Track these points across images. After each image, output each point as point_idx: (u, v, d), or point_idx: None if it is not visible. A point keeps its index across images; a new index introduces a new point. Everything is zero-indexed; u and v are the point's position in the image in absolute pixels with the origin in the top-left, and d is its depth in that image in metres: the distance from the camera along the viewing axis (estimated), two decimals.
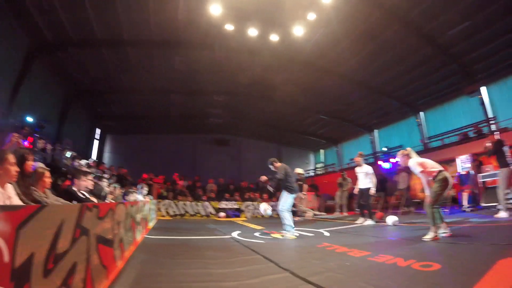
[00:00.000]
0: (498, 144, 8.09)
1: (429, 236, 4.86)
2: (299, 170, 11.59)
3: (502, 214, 7.09)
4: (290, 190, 6.84)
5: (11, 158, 2.73)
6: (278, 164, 7.25)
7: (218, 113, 18.54)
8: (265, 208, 7.59)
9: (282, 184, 6.97)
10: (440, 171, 5.18)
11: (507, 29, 11.86)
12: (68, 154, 9.65)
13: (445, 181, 5.07)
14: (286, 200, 6.79)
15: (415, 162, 5.40)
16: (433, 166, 5.33)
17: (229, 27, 11.45)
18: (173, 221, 11.92)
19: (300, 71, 15.56)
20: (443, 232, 5.01)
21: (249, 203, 15.18)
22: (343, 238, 5.83)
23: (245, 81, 16.29)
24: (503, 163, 7.79)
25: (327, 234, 6.52)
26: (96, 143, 20.73)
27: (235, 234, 6.81)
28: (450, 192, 9.26)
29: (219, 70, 15.11)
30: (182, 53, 13.57)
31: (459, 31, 12.05)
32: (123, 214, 3.73)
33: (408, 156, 5.58)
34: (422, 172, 5.25)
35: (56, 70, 13.66)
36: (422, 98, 18.16)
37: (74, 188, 4.82)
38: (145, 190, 10.99)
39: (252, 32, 11.81)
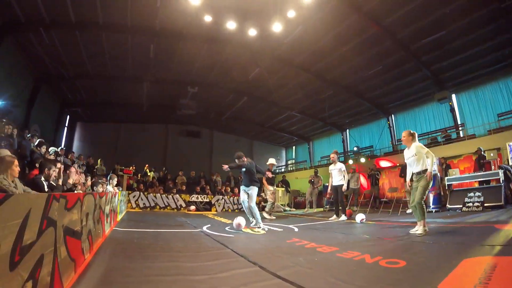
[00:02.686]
0: None
1: (420, 230, 5.17)
2: (271, 161, 11.45)
3: None
4: (257, 184, 7.17)
5: None
6: (246, 159, 7.42)
7: (191, 104, 18.31)
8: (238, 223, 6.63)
9: (250, 178, 7.19)
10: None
11: (479, 41, 12.45)
12: (36, 141, 9.27)
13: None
14: (255, 194, 7.09)
15: (418, 145, 5.64)
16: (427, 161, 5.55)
17: (207, 18, 11.31)
18: (142, 213, 11.72)
19: (276, 67, 15.67)
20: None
21: (220, 197, 15.14)
22: (312, 234, 5.92)
23: (219, 74, 16.25)
24: None
25: (296, 229, 6.61)
26: (65, 131, 20.06)
27: (205, 227, 6.80)
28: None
29: (194, 61, 14.99)
30: (157, 42, 13.28)
31: (432, 40, 12.46)
32: (91, 205, 3.65)
33: (413, 137, 5.74)
34: (415, 156, 5.53)
35: (26, 53, 13.04)
36: (394, 101, 18.72)
37: (42, 179, 4.66)
38: (114, 181, 10.75)
39: (231, 25, 11.72)
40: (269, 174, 10.85)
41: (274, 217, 10.31)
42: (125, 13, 11.58)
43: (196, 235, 5.63)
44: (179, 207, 14.06)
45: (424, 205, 5.38)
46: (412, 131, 5.83)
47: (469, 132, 15.16)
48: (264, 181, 11.01)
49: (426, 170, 5.43)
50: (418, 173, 5.53)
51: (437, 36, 12.22)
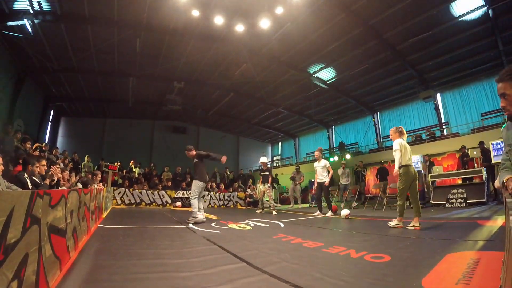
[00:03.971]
0: None
1: (394, 223, 5.69)
2: (263, 159, 11.68)
3: None
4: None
5: None
6: (194, 152, 7.76)
7: (177, 100, 18.21)
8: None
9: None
10: (407, 165, 5.68)
11: (464, 43, 12.68)
12: (20, 136, 9.09)
13: (406, 175, 5.68)
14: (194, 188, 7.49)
15: (401, 142, 5.77)
16: (408, 157, 5.73)
17: (195, 13, 11.23)
18: (128, 210, 11.61)
19: (263, 63, 15.71)
20: (413, 225, 5.49)
21: (206, 193, 15.10)
22: (298, 230, 5.97)
23: (206, 70, 16.22)
24: None
25: (282, 225, 6.65)
26: (49, 126, 19.70)
27: (191, 224, 6.79)
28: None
29: (180, 56, 14.88)
30: (144, 36, 13.12)
31: (418, 40, 12.64)
32: (76, 202, 3.60)
33: (400, 134, 5.93)
34: (397, 151, 5.68)
35: (10, 44, 12.72)
36: (379, 100, 18.97)
37: (26, 176, 4.57)
38: (99, 177, 10.62)
39: (218, 20, 11.69)
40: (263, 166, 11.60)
41: (275, 213, 10.50)
42: (112, 6, 11.42)
43: (182, 232, 5.61)
44: (165, 203, 13.98)
45: (403, 204, 5.75)
46: (399, 128, 6.04)
47: (453, 131, 15.47)
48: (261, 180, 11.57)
49: (400, 167, 5.72)
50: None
51: (424, 36, 12.40)
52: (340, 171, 13.02)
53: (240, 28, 12.13)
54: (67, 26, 12.34)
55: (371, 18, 11.98)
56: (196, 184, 7.45)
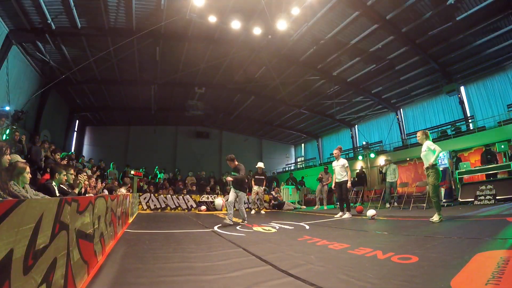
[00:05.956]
0: None
1: (436, 218, 5.99)
2: (260, 165, 12.57)
3: None
4: (245, 190, 8.46)
5: None
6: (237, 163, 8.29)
7: (198, 105, 18.41)
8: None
9: (241, 184, 8.08)
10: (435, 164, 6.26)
11: (486, 32, 12.21)
12: (47, 146, 9.40)
13: (437, 172, 6.22)
14: (243, 198, 8.23)
15: (428, 143, 6.37)
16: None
17: (212, 18, 11.33)
18: (153, 214, 11.79)
19: (282, 65, 15.67)
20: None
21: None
22: (323, 231, 5.90)
23: (226, 74, 16.32)
24: None
25: (307, 227, 6.59)
26: (75, 135, 20.29)
27: (216, 227, 6.82)
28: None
29: (200, 62, 15.01)
30: (163, 44, 13.37)
31: (438, 32, 12.28)
32: (103, 208, 3.68)
33: (427, 136, 6.56)
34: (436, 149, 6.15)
35: (34, 59, 13.24)
36: (402, 96, 18.57)
37: (54, 183, 4.70)
38: (126, 183, 10.85)
39: (235, 24, 11.73)
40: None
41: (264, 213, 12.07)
42: (130, 17, 11.70)
43: (207, 235, 5.64)
44: (189, 207, 14.14)
45: (438, 199, 6.15)
46: (425, 131, 6.71)
47: (478, 125, 14.94)
48: (252, 181, 12.70)
49: (431, 165, 6.18)
50: (427, 169, 6.25)
51: (444, 28, 12.05)
52: (384, 168, 12.71)
53: (257, 31, 12.15)
54: (87, 39, 12.76)
55: (388, 13, 11.72)
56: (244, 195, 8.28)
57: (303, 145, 30.14)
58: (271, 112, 22.61)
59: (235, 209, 7.91)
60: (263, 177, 12.67)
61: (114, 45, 12.96)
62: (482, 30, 12.22)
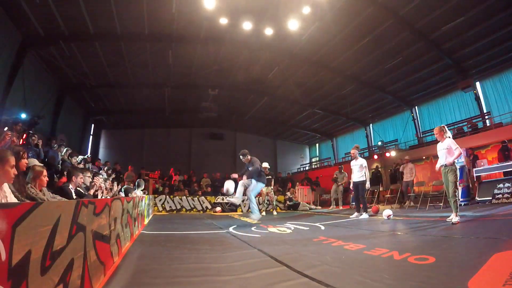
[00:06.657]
0: None
1: (454, 219, 5.62)
2: (265, 165, 11.93)
3: None
4: (263, 181, 8.58)
5: (12, 160, 2.71)
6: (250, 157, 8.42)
7: (212, 107, 18.50)
8: (227, 187, 8.44)
9: (259, 174, 8.37)
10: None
11: (501, 25, 11.90)
12: (63, 150, 9.57)
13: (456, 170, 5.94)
14: (254, 187, 8.36)
15: (451, 140, 6.08)
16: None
17: (223, 20, 11.38)
18: (169, 216, 11.90)
19: (294, 65, 15.63)
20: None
21: (245, 197, 15.16)
22: (339, 232, 5.84)
23: (239, 75, 16.32)
24: None
25: (322, 228, 6.54)
26: (90, 139, 20.61)
27: (231, 228, 6.82)
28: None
29: (213, 64, 15.09)
30: (175, 47, 13.49)
31: (452, 27, 12.04)
32: (119, 210, 3.73)
33: (444, 132, 6.22)
34: (457, 149, 5.91)
35: (49, 65, 13.52)
36: (417, 93, 18.28)
37: (71, 186, 4.78)
38: (142, 185, 10.97)
39: (247, 25, 11.77)
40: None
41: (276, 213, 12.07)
42: (141, 22, 11.83)
43: (223, 236, 5.66)
44: (205, 209, 14.22)
45: (456, 198, 5.78)
46: (442, 126, 6.34)
47: (495, 121, 14.60)
48: None
49: (450, 164, 5.92)
50: (445, 166, 5.98)
51: (457, 22, 11.82)
52: (401, 167, 12.56)
53: (269, 31, 12.15)
54: (101, 44, 12.96)
55: (401, 9, 11.56)
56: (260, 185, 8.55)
57: (317, 145, 29.97)
58: (284, 113, 22.56)
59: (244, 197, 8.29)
60: (270, 176, 12.18)
61: (126, 50, 13.17)
62: (496, 24, 11.91)
